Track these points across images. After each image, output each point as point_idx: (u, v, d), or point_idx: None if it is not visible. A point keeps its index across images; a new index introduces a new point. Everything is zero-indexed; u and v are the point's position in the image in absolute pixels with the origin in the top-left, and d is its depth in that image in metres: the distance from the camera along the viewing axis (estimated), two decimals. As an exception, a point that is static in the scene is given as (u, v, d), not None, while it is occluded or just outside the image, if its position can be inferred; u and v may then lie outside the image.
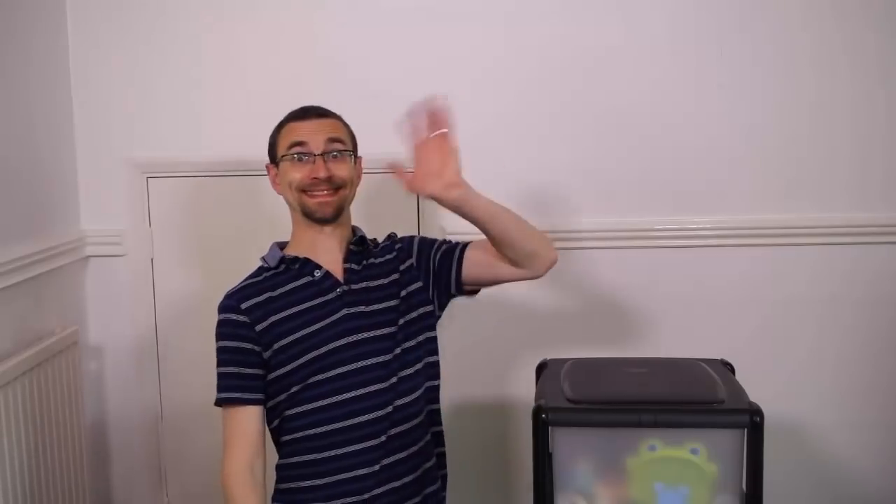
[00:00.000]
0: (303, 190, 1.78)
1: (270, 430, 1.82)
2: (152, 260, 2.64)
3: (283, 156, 1.80)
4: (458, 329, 2.60)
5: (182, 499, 2.73)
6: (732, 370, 1.91)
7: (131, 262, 2.63)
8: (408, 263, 1.86)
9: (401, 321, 1.78)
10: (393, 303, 1.79)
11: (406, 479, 1.72)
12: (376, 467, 1.69)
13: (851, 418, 2.51)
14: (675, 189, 2.55)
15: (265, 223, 2.62)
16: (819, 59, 2.50)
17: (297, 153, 1.78)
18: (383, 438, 1.70)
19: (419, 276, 1.85)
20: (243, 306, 1.78)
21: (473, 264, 1.82)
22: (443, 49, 2.52)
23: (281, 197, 1.90)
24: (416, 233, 2.58)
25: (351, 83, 2.54)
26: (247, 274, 1.87)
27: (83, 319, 2.61)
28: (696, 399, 1.70)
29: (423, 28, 2.52)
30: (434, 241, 1.92)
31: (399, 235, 1.96)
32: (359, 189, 2.64)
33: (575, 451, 1.68)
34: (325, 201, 1.78)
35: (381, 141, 2.63)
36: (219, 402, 1.78)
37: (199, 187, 2.60)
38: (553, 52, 2.52)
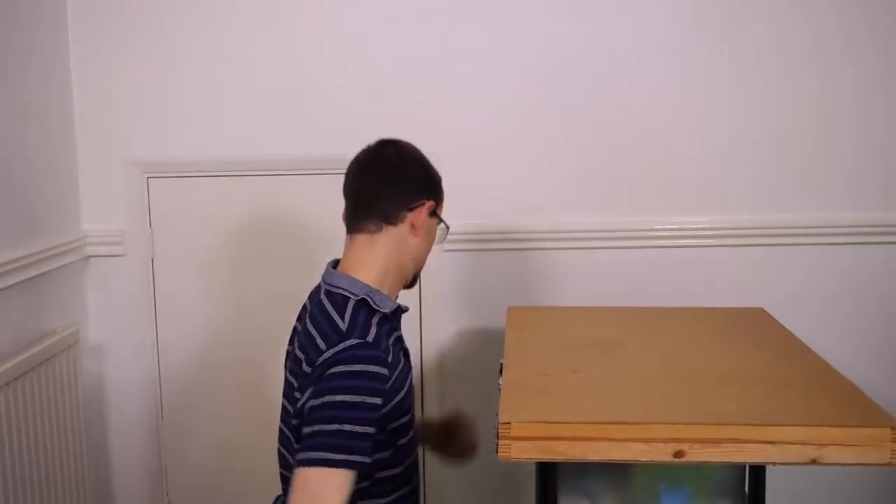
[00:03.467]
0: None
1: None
2: (152, 260, 2.64)
3: (443, 221, 1.74)
4: (459, 329, 2.60)
5: (182, 499, 2.73)
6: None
7: (131, 262, 2.62)
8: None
9: None
10: None
11: None
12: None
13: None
14: (675, 189, 2.56)
15: (265, 223, 2.62)
16: (819, 59, 2.50)
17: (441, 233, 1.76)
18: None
19: None
20: (389, 359, 1.58)
21: None
22: (443, 49, 2.53)
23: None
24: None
25: (351, 83, 2.54)
26: (347, 311, 1.59)
27: (83, 319, 2.61)
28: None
29: (423, 28, 2.52)
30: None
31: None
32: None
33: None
34: None
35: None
36: (343, 465, 1.47)
37: (199, 187, 2.60)
38: (553, 52, 2.52)
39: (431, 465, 2.65)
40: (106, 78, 2.56)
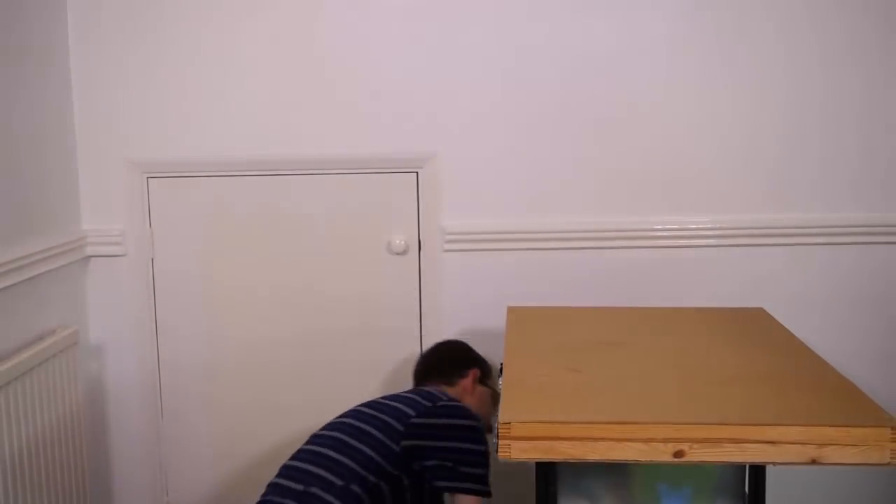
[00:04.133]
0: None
1: None
2: (152, 260, 2.64)
3: (495, 392, 2.21)
4: (459, 329, 2.60)
5: (182, 499, 2.73)
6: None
7: (131, 262, 2.62)
8: None
9: None
10: None
11: None
12: None
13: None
14: (675, 189, 2.56)
15: (265, 223, 2.62)
16: (819, 59, 2.50)
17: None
18: None
19: None
20: None
21: None
22: (442, 49, 2.52)
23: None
24: (417, 235, 2.59)
25: (351, 83, 2.54)
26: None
27: (83, 319, 2.61)
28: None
29: (423, 28, 2.52)
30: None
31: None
32: (358, 190, 2.66)
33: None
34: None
35: (380, 140, 2.65)
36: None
37: (199, 187, 2.60)
38: (553, 52, 2.52)
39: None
40: (106, 78, 2.56)
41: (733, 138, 2.54)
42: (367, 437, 1.95)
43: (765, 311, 2.15)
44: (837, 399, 1.51)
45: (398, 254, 2.57)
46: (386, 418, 1.98)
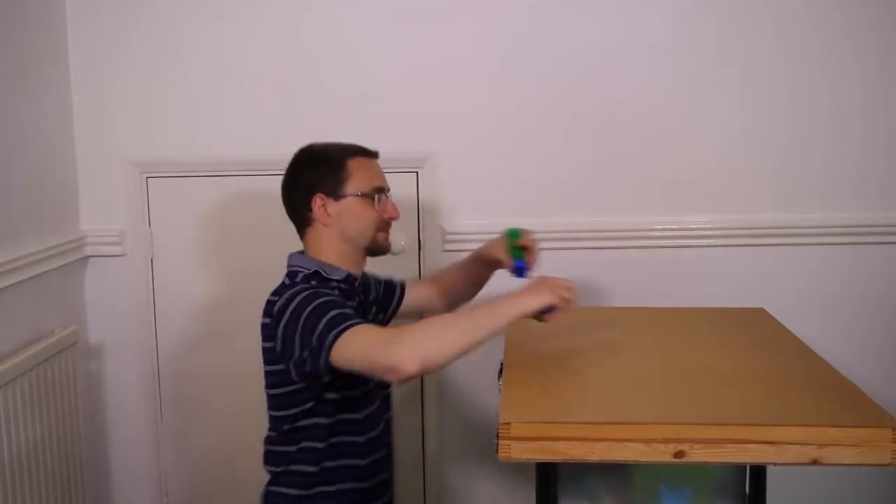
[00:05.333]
0: (378, 229, 1.89)
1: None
2: (152, 260, 2.63)
3: (362, 194, 1.85)
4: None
5: (181, 499, 2.72)
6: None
7: (131, 262, 2.62)
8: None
9: None
10: None
11: None
12: None
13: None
14: (675, 189, 2.55)
15: (265, 223, 2.62)
16: (819, 59, 2.50)
17: (380, 195, 1.88)
18: None
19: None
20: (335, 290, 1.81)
21: None
22: (441, 49, 2.52)
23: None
24: (417, 235, 2.58)
25: (350, 83, 2.54)
26: (298, 280, 1.84)
27: (83, 319, 2.61)
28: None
29: (422, 27, 2.52)
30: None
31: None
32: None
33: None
34: (388, 238, 1.93)
35: (380, 140, 2.64)
36: (342, 331, 1.64)
37: (199, 187, 2.60)
38: (553, 52, 2.52)
39: (431, 464, 2.65)
40: (105, 78, 2.56)
41: (734, 138, 2.54)
42: None
43: (765, 311, 2.15)
44: (838, 399, 1.51)
45: (398, 254, 2.57)
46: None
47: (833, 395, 1.52)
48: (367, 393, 1.86)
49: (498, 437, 1.39)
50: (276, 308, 1.76)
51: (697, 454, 1.37)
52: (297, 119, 2.54)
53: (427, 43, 2.53)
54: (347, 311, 1.69)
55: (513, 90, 2.53)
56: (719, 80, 2.52)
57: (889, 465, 1.35)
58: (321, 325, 1.66)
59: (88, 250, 2.61)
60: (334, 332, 1.64)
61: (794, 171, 2.54)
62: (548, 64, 2.52)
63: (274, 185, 2.58)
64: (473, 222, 2.55)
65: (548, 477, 1.58)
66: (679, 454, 1.37)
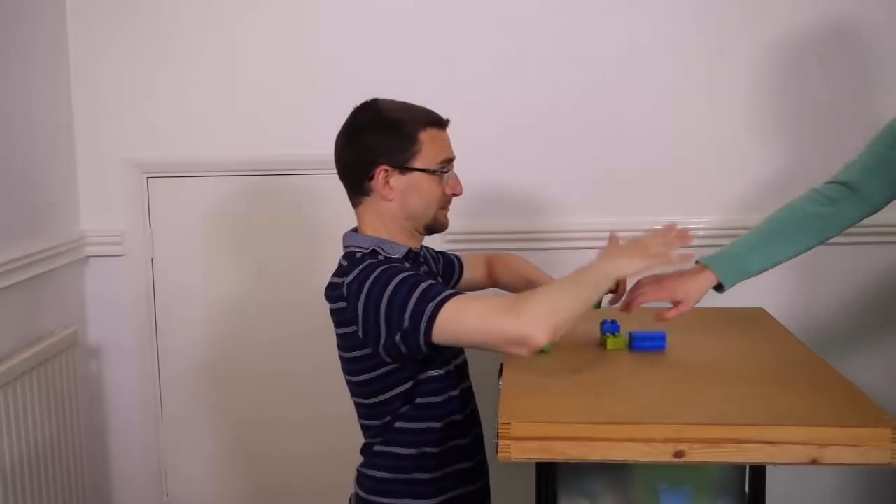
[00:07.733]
0: (441, 206, 1.76)
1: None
2: (152, 260, 2.64)
3: (431, 170, 1.70)
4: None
5: (181, 499, 2.72)
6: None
7: (131, 262, 2.62)
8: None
9: None
10: None
11: None
12: None
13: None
14: (675, 189, 2.55)
15: (265, 223, 2.62)
16: (820, 59, 2.50)
17: (447, 170, 1.74)
18: None
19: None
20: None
21: None
22: (442, 49, 2.52)
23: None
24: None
25: (350, 83, 2.54)
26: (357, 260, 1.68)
27: (83, 319, 2.61)
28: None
29: (422, 27, 2.52)
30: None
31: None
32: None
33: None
34: (447, 215, 1.80)
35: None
36: (441, 304, 1.53)
37: (199, 187, 2.60)
38: (553, 52, 2.52)
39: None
40: (105, 78, 2.56)
41: (733, 138, 2.53)
42: None
43: (765, 311, 2.15)
44: (838, 399, 1.51)
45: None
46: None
47: (833, 395, 1.52)
48: (451, 371, 1.76)
49: (498, 436, 1.39)
50: (345, 290, 1.62)
51: (697, 454, 1.37)
52: (298, 119, 2.54)
53: (427, 43, 2.53)
54: (434, 282, 1.57)
55: (514, 91, 2.53)
56: (719, 80, 2.52)
57: (889, 464, 1.35)
58: (413, 300, 1.53)
59: (88, 250, 2.61)
60: (433, 304, 1.52)
61: (793, 170, 2.54)
62: (548, 65, 2.52)
63: (274, 185, 2.60)
64: (473, 222, 2.55)
65: (547, 476, 1.58)
66: (679, 454, 1.37)
